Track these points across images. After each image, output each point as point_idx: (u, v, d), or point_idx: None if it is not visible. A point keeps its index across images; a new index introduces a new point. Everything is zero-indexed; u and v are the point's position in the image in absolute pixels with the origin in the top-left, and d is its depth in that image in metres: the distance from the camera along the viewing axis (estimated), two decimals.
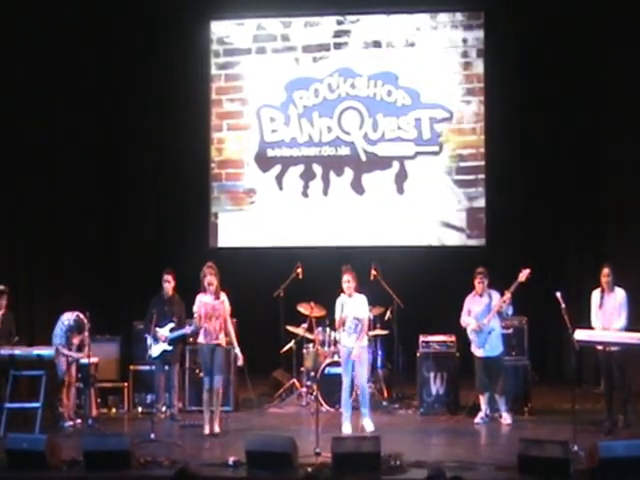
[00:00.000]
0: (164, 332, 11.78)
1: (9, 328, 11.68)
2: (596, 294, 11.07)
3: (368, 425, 10.88)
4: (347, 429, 10.89)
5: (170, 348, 11.85)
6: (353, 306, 10.95)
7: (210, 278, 10.87)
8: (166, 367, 11.87)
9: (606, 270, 10.97)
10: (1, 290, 11.74)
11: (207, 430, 10.89)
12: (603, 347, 10.89)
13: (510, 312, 11.50)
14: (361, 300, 11.07)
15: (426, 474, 7.28)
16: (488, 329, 11.39)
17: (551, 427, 10.83)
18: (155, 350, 11.74)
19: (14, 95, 13.94)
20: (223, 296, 10.96)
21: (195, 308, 10.97)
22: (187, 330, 11.86)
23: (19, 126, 13.95)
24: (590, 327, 10.93)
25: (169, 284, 12.01)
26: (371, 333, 12.17)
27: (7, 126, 13.82)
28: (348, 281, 10.94)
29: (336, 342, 12.49)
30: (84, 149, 14.67)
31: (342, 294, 11.08)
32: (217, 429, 10.87)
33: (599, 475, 8.70)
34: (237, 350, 10.97)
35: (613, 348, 10.78)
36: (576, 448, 9.26)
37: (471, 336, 11.51)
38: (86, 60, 14.54)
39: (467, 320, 11.52)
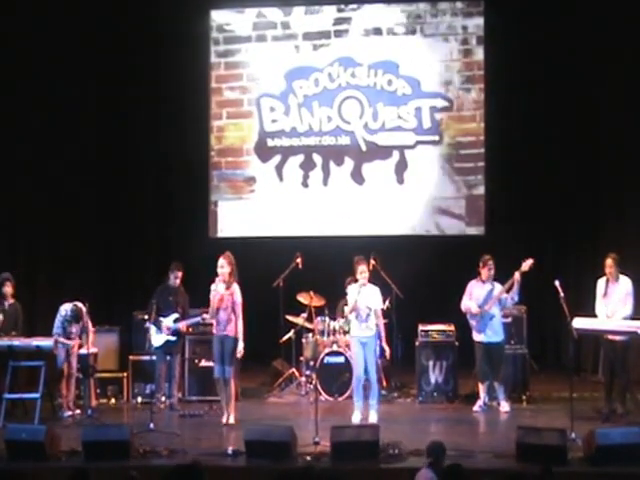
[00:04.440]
0: (168, 322, 11.79)
1: (15, 319, 11.70)
2: (601, 282, 11.05)
3: (373, 417, 10.88)
4: (357, 418, 10.89)
5: (174, 339, 11.87)
6: (366, 296, 10.96)
7: (221, 261, 10.85)
8: (167, 357, 11.88)
9: (609, 261, 10.94)
10: (5, 277, 11.75)
11: (224, 419, 10.87)
12: (604, 335, 10.93)
13: (516, 298, 11.46)
14: (374, 290, 11.09)
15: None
16: (489, 315, 11.41)
17: (549, 415, 10.88)
18: (157, 340, 11.77)
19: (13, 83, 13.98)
20: (234, 288, 10.91)
21: (211, 297, 10.96)
22: (180, 325, 11.86)
23: (17, 114, 13.95)
24: (593, 315, 10.94)
25: (178, 280, 12.02)
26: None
27: (6, 114, 13.83)
28: (364, 271, 10.96)
29: (335, 332, 12.56)
30: (83, 139, 14.65)
31: (353, 283, 11.11)
32: (232, 420, 10.84)
33: (596, 462, 8.74)
34: (240, 345, 10.93)
35: (617, 337, 10.78)
36: (573, 435, 9.33)
37: (471, 321, 11.53)
38: (85, 50, 14.49)
39: (468, 304, 11.51)
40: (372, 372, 11.00)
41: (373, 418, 10.81)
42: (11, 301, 11.78)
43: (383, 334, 11.22)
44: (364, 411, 11.03)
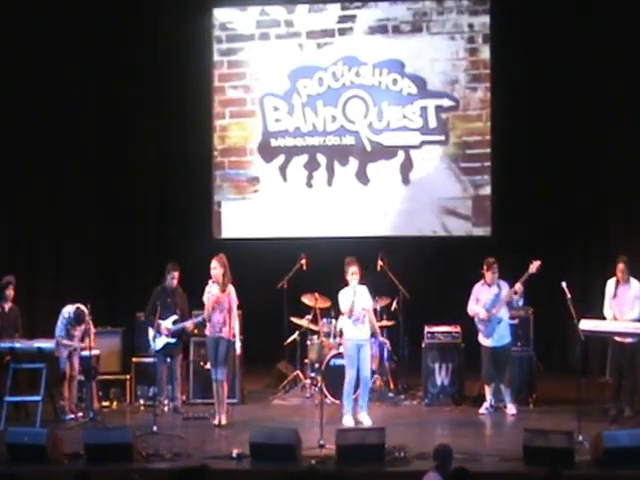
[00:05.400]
0: (167, 324, 11.71)
1: (15, 322, 11.64)
2: (611, 284, 11.04)
3: (365, 420, 10.83)
4: (348, 422, 10.81)
5: (173, 341, 11.79)
6: (360, 297, 10.89)
7: (213, 263, 10.83)
8: (168, 359, 11.80)
9: (621, 265, 10.93)
10: (7, 281, 11.68)
11: (216, 421, 10.89)
12: (612, 337, 10.90)
13: (521, 303, 11.45)
14: (365, 291, 11.03)
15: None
16: (497, 319, 11.35)
17: (556, 417, 10.83)
18: (158, 343, 11.65)
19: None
20: (229, 289, 10.88)
21: (205, 299, 10.94)
22: (187, 323, 11.80)
23: (17, 114, 13.88)
24: (600, 316, 10.91)
25: (175, 281, 11.93)
26: (377, 324, 11.97)
27: (6, 114, 13.78)
28: (355, 272, 10.88)
29: (342, 334, 12.44)
30: (85, 137, 14.57)
31: (348, 285, 11.00)
32: (224, 421, 10.83)
33: (604, 465, 8.71)
34: (237, 345, 10.88)
35: (626, 339, 10.75)
36: (581, 438, 9.32)
37: (479, 325, 11.47)
38: (87, 47, 14.41)
39: (475, 309, 11.45)
40: (366, 372, 10.95)
41: (365, 420, 10.78)
42: (10, 305, 11.71)
43: (378, 330, 11.24)
44: (355, 414, 11.00)
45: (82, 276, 14.10)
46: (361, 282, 11.02)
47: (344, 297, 10.96)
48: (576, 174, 14.19)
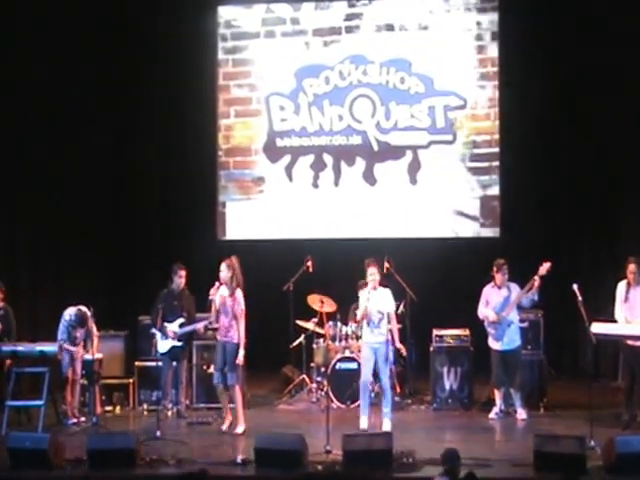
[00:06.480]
0: (173, 327, 11.60)
1: (8, 326, 11.49)
2: (622, 286, 10.93)
3: (386, 425, 10.64)
4: (364, 424, 10.66)
5: (180, 344, 11.68)
6: (378, 300, 10.69)
7: (223, 266, 10.69)
8: (174, 363, 11.70)
9: (632, 266, 10.81)
10: None
11: (225, 426, 10.78)
12: (624, 340, 10.75)
13: (536, 298, 11.24)
14: (386, 293, 10.83)
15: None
16: (507, 322, 11.24)
17: (567, 422, 10.74)
18: (163, 346, 11.58)
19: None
20: (237, 293, 10.71)
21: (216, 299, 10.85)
22: (198, 326, 11.66)
23: (17, 114, 13.78)
24: (612, 318, 10.79)
25: (182, 279, 11.82)
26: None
27: (5, 114, 13.66)
28: (373, 274, 10.69)
29: (347, 337, 12.34)
30: (85, 137, 14.47)
31: (363, 288, 10.88)
32: (240, 430, 10.64)
33: (616, 471, 8.60)
34: (241, 353, 10.67)
35: (638, 343, 10.62)
36: (593, 443, 9.22)
37: (489, 329, 11.36)
38: (87, 47, 14.34)
39: (485, 312, 11.33)
40: (384, 379, 10.76)
41: (387, 426, 10.58)
42: (0, 305, 11.58)
43: (397, 336, 10.93)
44: (374, 418, 10.82)
45: (83, 277, 14.08)
46: (383, 284, 10.85)
47: (360, 300, 10.86)
48: (586, 173, 14.05)
